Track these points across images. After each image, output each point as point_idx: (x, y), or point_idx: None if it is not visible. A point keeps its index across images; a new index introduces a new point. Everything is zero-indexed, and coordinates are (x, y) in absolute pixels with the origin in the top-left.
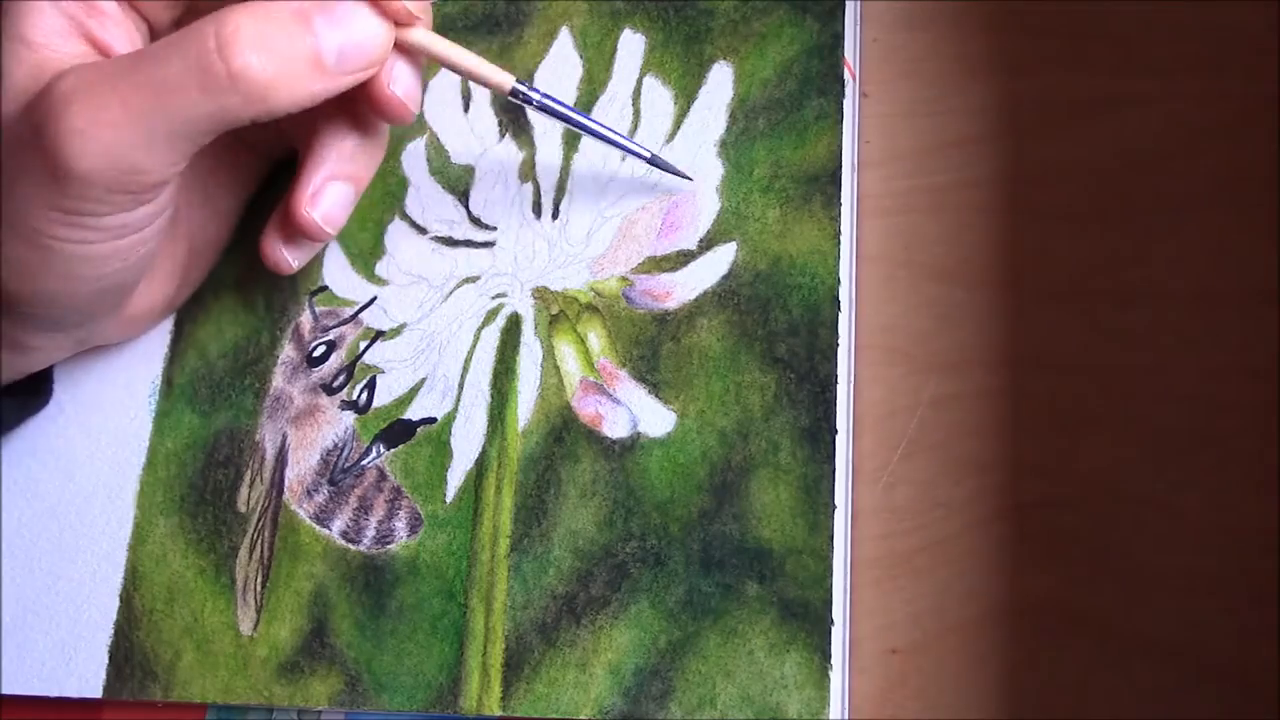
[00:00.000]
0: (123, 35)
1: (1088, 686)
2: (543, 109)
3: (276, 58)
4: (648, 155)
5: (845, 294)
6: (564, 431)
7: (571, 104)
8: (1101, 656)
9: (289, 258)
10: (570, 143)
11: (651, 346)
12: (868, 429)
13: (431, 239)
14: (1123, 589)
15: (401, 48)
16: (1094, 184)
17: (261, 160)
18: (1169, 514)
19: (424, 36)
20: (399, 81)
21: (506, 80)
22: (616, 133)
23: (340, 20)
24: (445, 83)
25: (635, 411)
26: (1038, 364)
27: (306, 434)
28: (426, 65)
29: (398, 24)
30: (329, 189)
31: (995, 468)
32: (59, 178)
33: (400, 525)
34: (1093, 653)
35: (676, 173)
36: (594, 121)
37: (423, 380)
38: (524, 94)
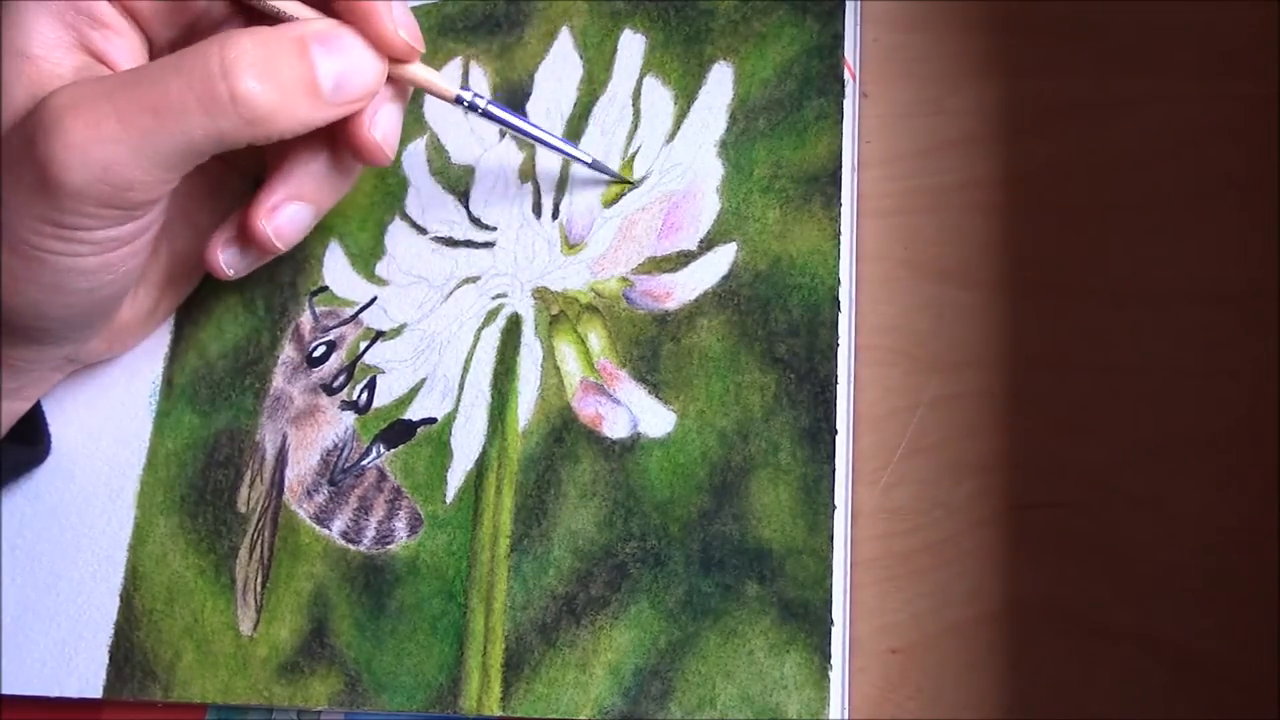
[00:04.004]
0: (125, 48)
1: (1088, 686)
2: (488, 116)
3: (277, 83)
4: (589, 160)
5: (845, 294)
6: (564, 432)
7: (572, 104)
8: (1101, 656)
9: (228, 264)
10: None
11: (651, 347)
12: (868, 429)
13: (432, 239)
14: (1122, 589)
15: (394, 82)
16: (1094, 184)
17: (243, 179)
18: (1168, 514)
19: (421, 70)
20: (379, 125)
21: (450, 91)
22: (559, 138)
23: (337, 50)
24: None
25: (635, 412)
26: (1038, 364)
27: (306, 434)
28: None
29: (395, 60)
30: (287, 207)
31: (995, 468)
32: (50, 190)
33: (400, 525)
34: (1093, 653)
35: (619, 178)
36: (535, 126)
37: (423, 380)
38: (469, 101)
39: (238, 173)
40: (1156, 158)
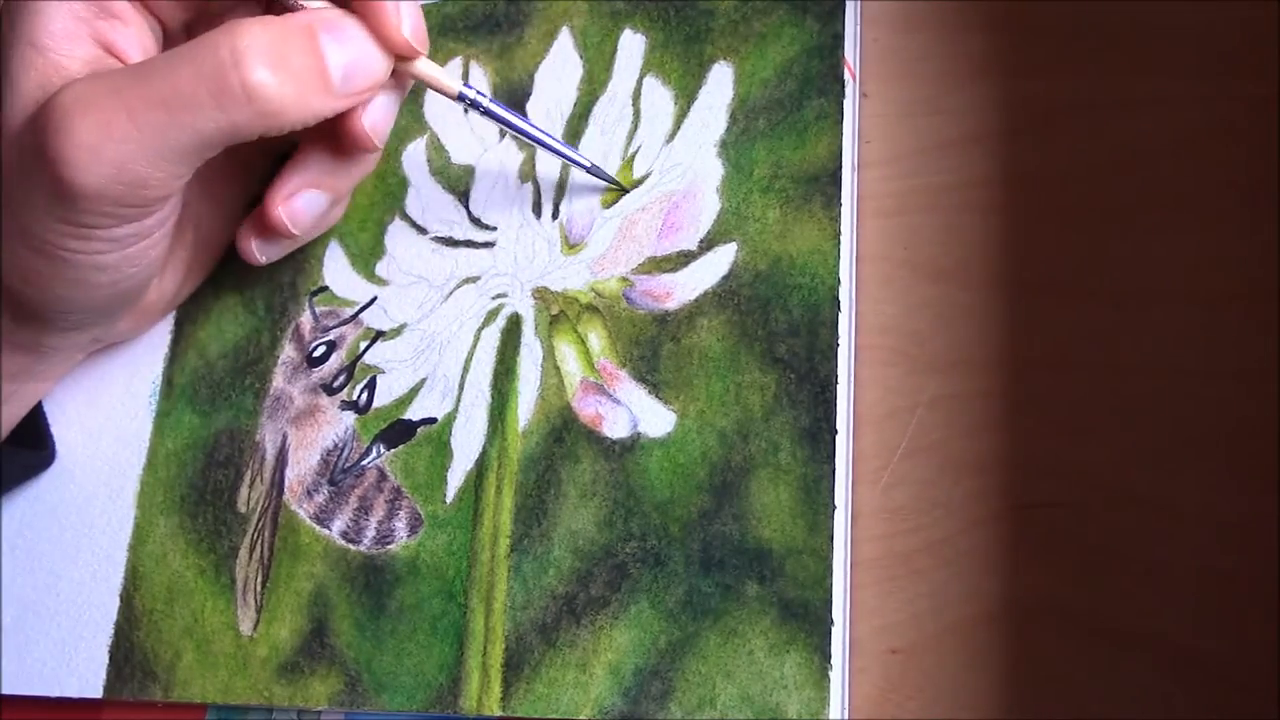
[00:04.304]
0: (135, 38)
1: (1087, 686)
2: (489, 115)
3: (289, 74)
4: (588, 165)
5: (845, 294)
6: (564, 432)
7: (572, 104)
8: (1101, 656)
9: (258, 251)
10: (570, 143)
11: (651, 347)
12: (868, 429)
13: (432, 239)
14: (1122, 589)
15: (396, 75)
16: (1094, 184)
17: (264, 156)
18: (1169, 514)
19: (426, 66)
20: (370, 115)
21: (456, 88)
22: (558, 140)
23: (345, 40)
24: None
25: (635, 412)
26: (1038, 364)
27: (306, 434)
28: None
29: (399, 57)
30: (303, 194)
31: (995, 468)
32: (65, 192)
33: (400, 525)
34: (1092, 652)
35: (617, 184)
36: (535, 127)
37: (423, 380)
38: (471, 99)
39: (259, 149)
40: (1156, 158)
